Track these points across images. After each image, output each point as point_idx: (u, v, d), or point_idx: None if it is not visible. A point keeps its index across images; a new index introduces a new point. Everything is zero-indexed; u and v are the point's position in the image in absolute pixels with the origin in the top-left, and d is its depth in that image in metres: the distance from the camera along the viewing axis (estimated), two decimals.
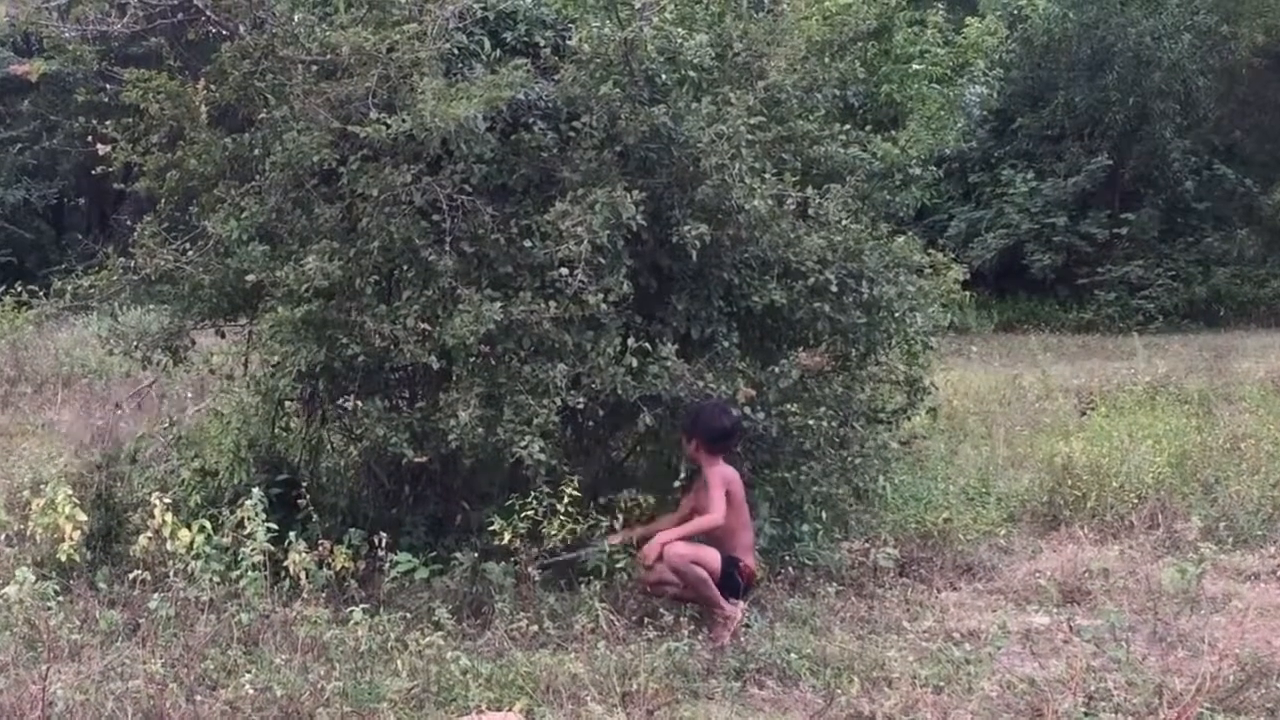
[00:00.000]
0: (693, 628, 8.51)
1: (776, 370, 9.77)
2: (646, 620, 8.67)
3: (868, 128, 12.68)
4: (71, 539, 8.79)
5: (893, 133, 15.39)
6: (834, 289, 9.87)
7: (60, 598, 7.65)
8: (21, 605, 6.86)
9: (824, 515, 10.39)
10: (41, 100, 32.28)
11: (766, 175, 9.79)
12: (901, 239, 11.35)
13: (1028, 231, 34.93)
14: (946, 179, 27.16)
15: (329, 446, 10.87)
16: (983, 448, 14.54)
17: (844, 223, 10.37)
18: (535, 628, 8.39)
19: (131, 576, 8.41)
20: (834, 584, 9.68)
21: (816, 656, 8.16)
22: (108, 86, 10.89)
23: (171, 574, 8.60)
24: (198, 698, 7.13)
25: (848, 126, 11.49)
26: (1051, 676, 7.88)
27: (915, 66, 18.96)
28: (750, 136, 9.75)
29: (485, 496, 9.97)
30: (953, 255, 12.13)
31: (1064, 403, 17.70)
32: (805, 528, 10.26)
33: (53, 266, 26.59)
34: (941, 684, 7.75)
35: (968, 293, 12.43)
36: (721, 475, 8.91)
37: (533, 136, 9.61)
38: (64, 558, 8.98)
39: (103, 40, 10.61)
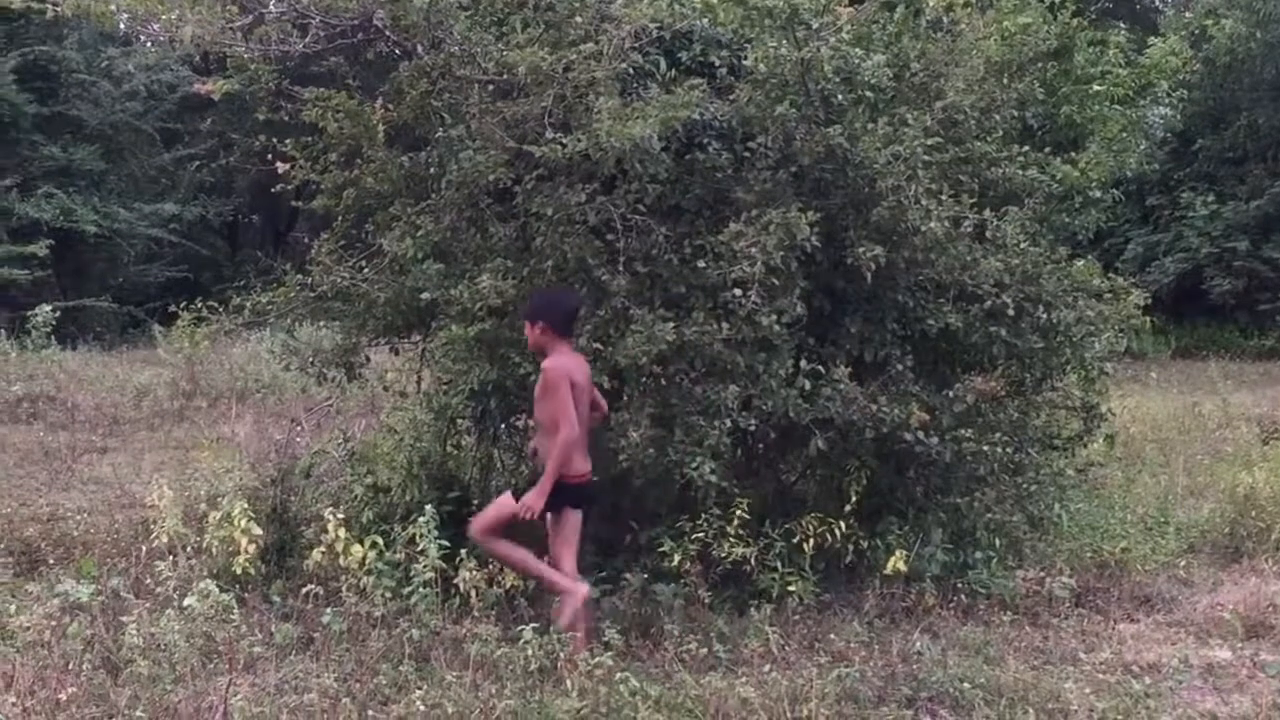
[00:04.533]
0: (864, 654, 8.40)
1: (951, 395, 9.64)
2: (816, 644, 8.58)
3: (1047, 149, 12.43)
4: (247, 552, 8.91)
5: (1072, 154, 15.12)
6: (1011, 313, 9.71)
7: (237, 610, 7.72)
8: (204, 617, 6.89)
9: (998, 543, 10.23)
10: (220, 118, 32.90)
11: (943, 197, 9.65)
12: (1081, 263, 11.15)
13: (1207, 256, 34.11)
14: (1124, 202, 26.67)
15: (499, 465, 10.90)
16: (1161, 476, 14.21)
17: (1022, 245, 10.19)
18: (705, 650, 8.34)
19: (304, 591, 8.49)
20: (1008, 613, 9.49)
21: (990, 686, 7.99)
22: (287, 105, 11.03)
23: (344, 589, 8.70)
24: (370, 713, 7.16)
25: (1026, 148, 11.30)
26: (1236, 713, 7.67)
27: (1096, 87, 18.62)
28: (927, 157, 9.64)
29: (654, 517, 9.92)
30: (1130, 279, 11.85)
31: (1245, 431, 17.26)
32: (978, 555, 10.10)
33: (227, 283, 27.00)
34: (1120, 717, 7.55)
35: (1146, 318, 12.14)
36: (564, 371, 8.53)
37: (707, 157, 9.57)
38: (239, 571, 9.13)
39: (283, 60, 10.73)
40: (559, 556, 8.79)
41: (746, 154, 9.63)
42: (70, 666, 7.10)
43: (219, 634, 7.03)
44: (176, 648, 6.82)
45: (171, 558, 8.32)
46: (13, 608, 7.43)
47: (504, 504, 8.74)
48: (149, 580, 9.02)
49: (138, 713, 6.65)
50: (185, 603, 6.92)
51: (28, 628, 7.18)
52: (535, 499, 8.47)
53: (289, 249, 31.99)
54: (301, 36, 10.26)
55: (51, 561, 9.97)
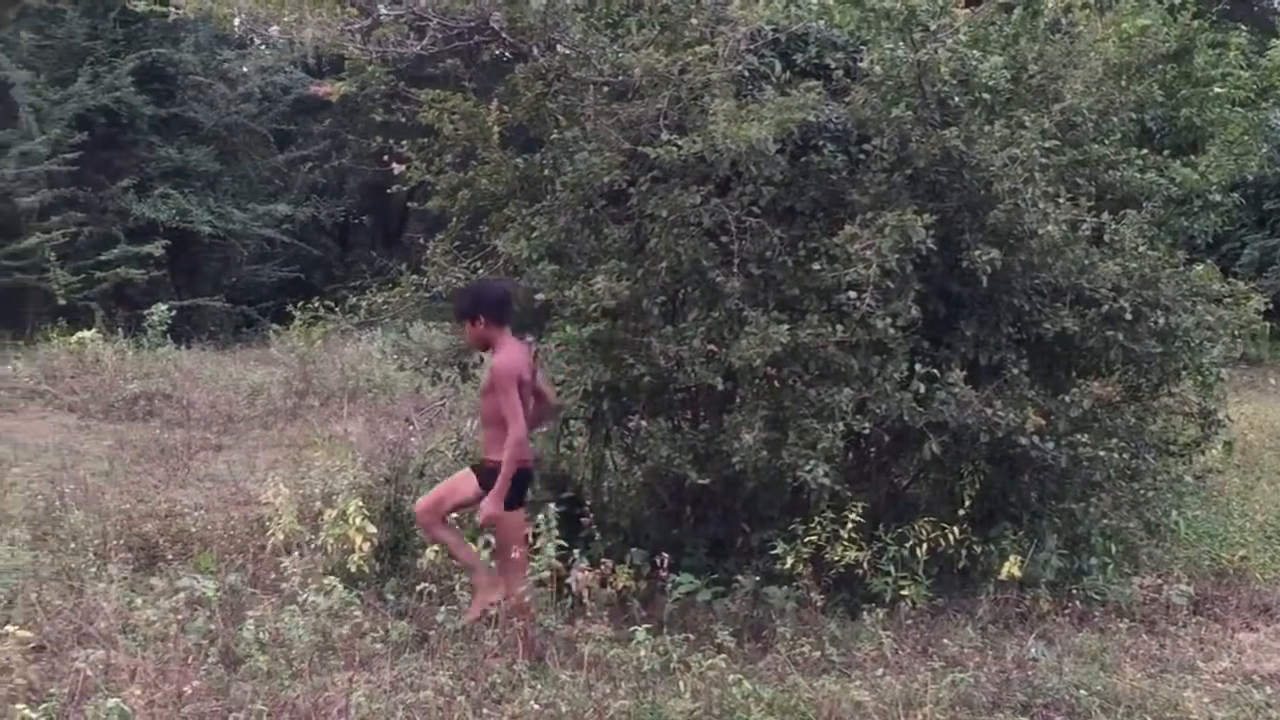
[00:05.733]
0: (978, 659, 8.34)
1: (1067, 400, 9.54)
2: (930, 649, 8.54)
3: (1165, 152, 12.30)
4: (361, 550, 8.99)
5: (1191, 157, 14.92)
6: (1128, 317, 9.61)
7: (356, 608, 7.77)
8: (326, 613, 6.96)
9: (1113, 549, 10.14)
10: (333, 120, 33.16)
11: (1061, 200, 9.57)
12: (1199, 267, 11.01)
13: None
14: (1242, 206, 26.25)
15: (611, 465, 10.92)
16: None
17: (1140, 249, 10.09)
18: (817, 653, 8.32)
19: (418, 589, 8.53)
20: (1124, 620, 9.39)
21: (1107, 694, 7.92)
22: (403, 107, 11.12)
23: (457, 588, 8.75)
24: (484, 710, 7.19)
25: (1144, 151, 11.20)
26: None
27: (1216, 90, 18.38)
28: (1044, 160, 9.58)
29: (765, 519, 9.92)
30: (1249, 284, 11.69)
31: None
32: (1093, 561, 10.03)
33: (338, 283, 27.27)
34: None
35: (1266, 323, 11.97)
36: (514, 370, 8.42)
37: (822, 159, 9.54)
38: (354, 569, 9.21)
39: (399, 62, 10.83)
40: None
41: (862, 156, 9.60)
42: (191, 661, 7.18)
43: (338, 630, 7.06)
44: (299, 643, 6.87)
45: (292, 554, 8.37)
46: (138, 601, 7.51)
47: (456, 488, 8.75)
48: (271, 576, 9.14)
49: (257, 706, 6.72)
50: (309, 599, 6.96)
51: (153, 622, 7.27)
52: (493, 505, 8.39)
53: (400, 250, 32.15)
54: (418, 39, 10.35)
55: (170, 557, 10.09)
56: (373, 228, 37.61)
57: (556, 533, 8.72)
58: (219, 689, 7.03)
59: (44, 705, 5.65)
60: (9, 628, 6.96)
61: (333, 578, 7.28)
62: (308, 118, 33.75)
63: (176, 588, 7.53)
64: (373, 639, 7.73)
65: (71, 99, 27.72)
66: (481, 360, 10.65)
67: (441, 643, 8.16)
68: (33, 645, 7.17)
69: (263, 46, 32.99)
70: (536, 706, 7.26)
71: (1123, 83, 10.85)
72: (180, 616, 7.31)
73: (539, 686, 7.58)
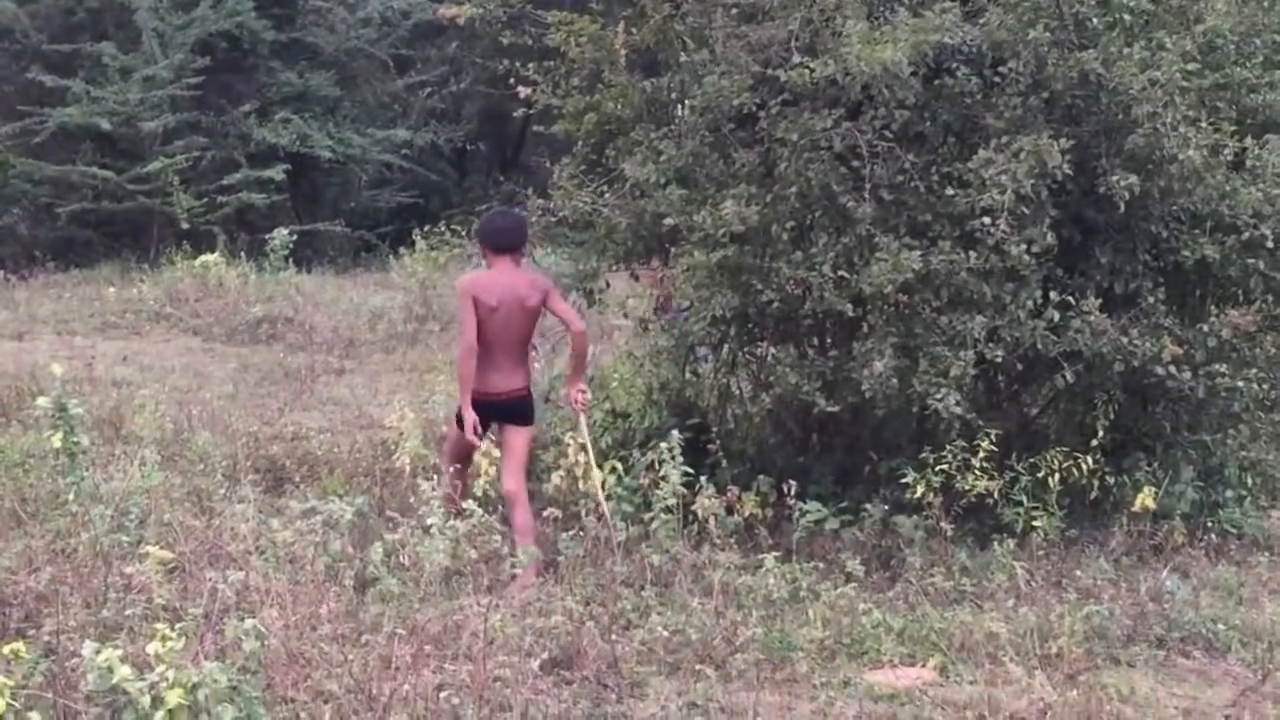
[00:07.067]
0: (1112, 592, 8.22)
1: (1205, 329, 9.32)
2: (1063, 581, 8.42)
3: None
4: (487, 474, 8.98)
5: None
6: (1270, 245, 9.33)
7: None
8: (466, 537, 6.95)
9: (1250, 481, 9.94)
10: (454, 45, 33.10)
11: (1201, 124, 9.33)
12: None
13: None
14: None
15: (737, 392, 10.85)
16: None
17: None
18: (949, 583, 8.24)
19: (545, 514, 8.53)
20: (1262, 553, 9.24)
21: (1246, 628, 7.80)
22: (529, 29, 11.06)
23: (583, 513, 8.74)
24: (613, 636, 7.17)
25: None
26: None
27: None
28: (1185, 83, 9.29)
29: (893, 448, 9.84)
30: None
31: None
32: (1229, 493, 9.84)
33: (455, 208, 27.32)
34: None
35: None
36: (467, 287, 9.07)
37: (956, 82, 9.32)
38: (479, 493, 9.20)
39: None
40: (502, 473, 9.01)
41: (996, 79, 9.37)
42: (325, 583, 7.23)
43: (470, 553, 7.06)
44: (431, 565, 6.88)
45: (417, 478, 8.37)
46: (274, 523, 7.55)
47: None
48: (396, 500, 9.19)
49: (388, 629, 6.73)
50: (448, 524, 6.95)
51: (290, 543, 7.31)
52: (450, 421, 9.02)
53: (518, 174, 32.06)
54: None
55: (297, 480, 10.16)
56: (489, 153, 37.55)
57: (681, 460, 8.71)
58: (350, 610, 7.07)
59: (180, 624, 5.67)
60: (148, 548, 7.02)
61: (470, 501, 7.24)
62: (426, 43, 33.66)
63: (314, 510, 7.53)
64: (511, 564, 7.74)
65: (194, 24, 27.79)
66: (608, 286, 10.63)
67: (570, 568, 8.16)
68: (169, 566, 7.23)
69: None
70: (665, 633, 7.27)
71: (1265, 3, 10.51)
72: (316, 539, 7.34)
73: (668, 612, 7.57)
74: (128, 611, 6.70)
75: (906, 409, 9.40)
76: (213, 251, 22.86)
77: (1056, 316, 8.91)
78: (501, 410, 9.06)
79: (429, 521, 7.03)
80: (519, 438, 9.10)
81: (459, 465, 9.04)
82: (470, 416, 8.83)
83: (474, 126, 34.97)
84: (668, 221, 9.47)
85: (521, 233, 9.33)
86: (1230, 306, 9.62)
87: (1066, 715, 6.43)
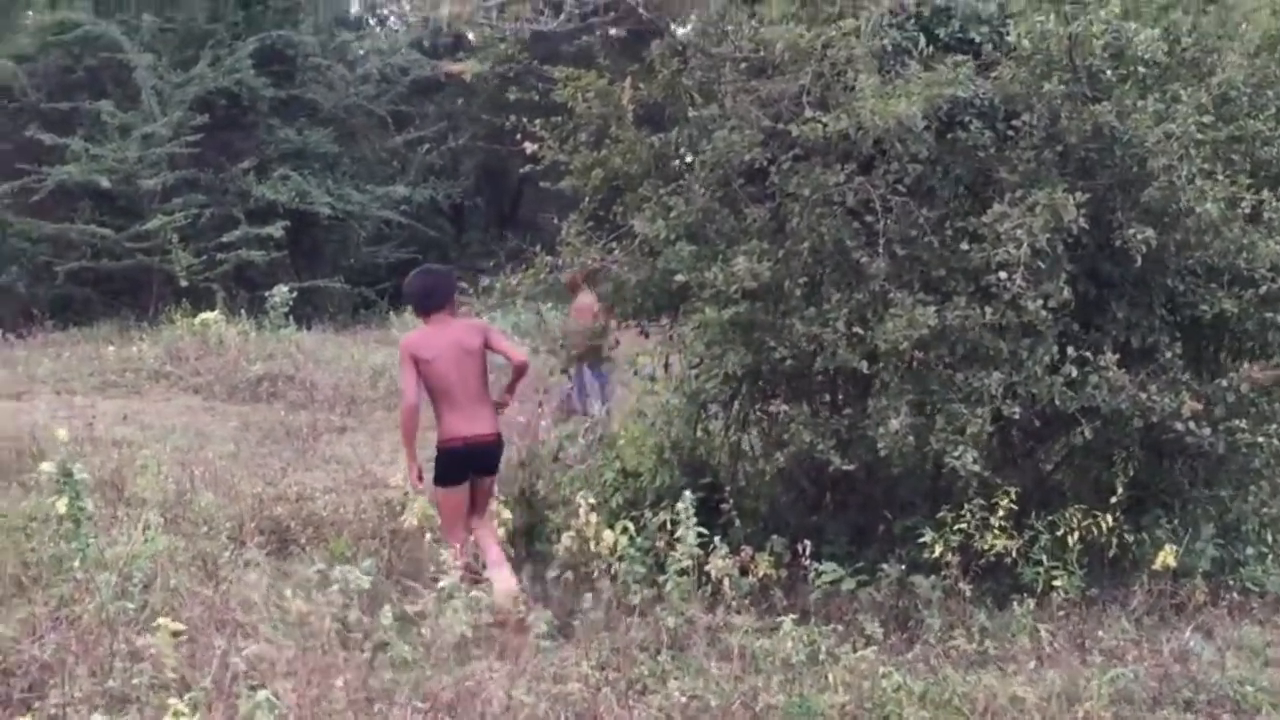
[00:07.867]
0: (1135, 653, 8.06)
1: (1224, 384, 9.20)
2: (1085, 642, 8.27)
3: None
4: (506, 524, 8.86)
5: None
6: None
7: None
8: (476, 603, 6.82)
9: (1271, 538, 9.80)
10: (449, 101, 33.14)
11: (1218, 177, 9.23)
12: None
13: None
14: None
15: (750, 450, 10.71)
16: None
17: None
18: (971, 645, 8.08)
19: (555, 575, 8.40)
20: None
21: (1274, 689, 7.64)
22: (536, 84, 11.01)
23: (595, 574, 8.60)
24: (630, 703, 7.02)
25: None
26: None
27: None
28: (1200, 136, 9.21)
29: (908, 506, 9.70)
30: None
31: None
32: (1250, 551, 9.70)
33: (453, 264, 27.22)
34: None
35: None
36: (406, 347, 9.28)
37: (969, 135, 9.23)
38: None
39: (530, 41, 10.72)
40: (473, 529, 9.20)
41: (1010, 133, 9.29)
42: (339, 653, 7.07)
43: (483, 619, 6.92)
44: (448, 632, 6.74)
45: (426, 538, 8.25)
46: (287, 591, 7.41)
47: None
48: (401, 562, 9.06)
49: (401, 697, 6.59)
50: (457, 587, 6.83)
51: (306, 614, 7.15)
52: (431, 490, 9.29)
53: (516, 229, 32.01)
54: (554, 15, 10.21)
55: (303, 542, 10.03)
56: (487, 209, 37.52)
57: (695, 520, 8.58)
58: (362, 679, 6.92)
59: (189, 694, 5.53)
60: (160, 620, 6.88)
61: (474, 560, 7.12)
62: (424, 99, 33.71)
63: (329, 578, 7.38)
64: (533, 636, 7.61)
65: (193, 81, 27.88)
66: (617, 344, 10.52)
67: (585, 633, 8.01)
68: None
69: (377, 28, 33.02)
70: (683, 699, 7.12)
71: (1277, 55, 10.43)
72: (334, 610, 7.19)
73: (685, 678, 7.42)
74: (135, 681, 6.56)
75: (921, 466, 9.28)
76: (212, 309, 22.83)
77: (1074, 372, 8.80)
78: (475, 458, 9.17)
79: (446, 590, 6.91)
80: (486, 482, 9.26)
81: (464, 534, 8.95)
82: (413, 467, 9.24)
83: (472, 182, 34.98)
84: (678, 278, 9.35)
85: (448, 288, 9.62)
86: (1248, 361, 9.50)
87: None
